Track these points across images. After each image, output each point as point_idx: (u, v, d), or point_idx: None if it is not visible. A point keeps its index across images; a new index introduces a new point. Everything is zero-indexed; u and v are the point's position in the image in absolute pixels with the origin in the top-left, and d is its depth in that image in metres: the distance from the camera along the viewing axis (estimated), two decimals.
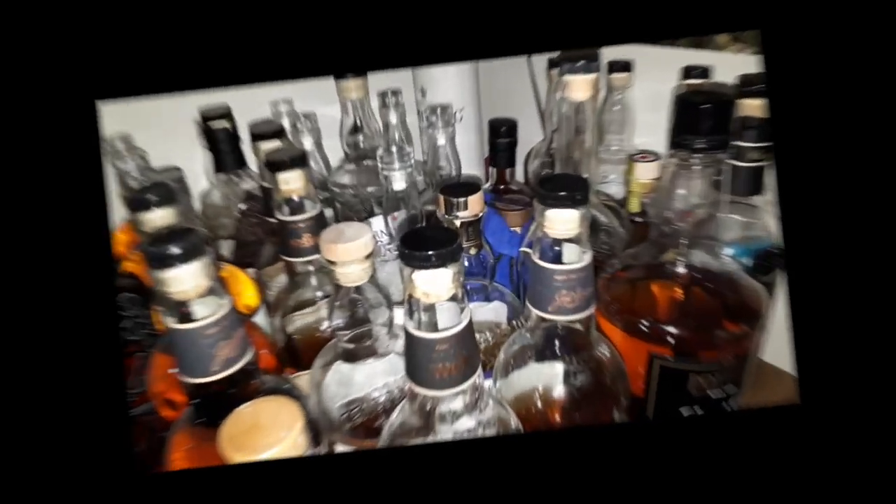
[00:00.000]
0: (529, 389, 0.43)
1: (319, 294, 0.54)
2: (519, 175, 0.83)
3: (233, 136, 0.65)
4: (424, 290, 0.30)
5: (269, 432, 0.26)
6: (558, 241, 0.37)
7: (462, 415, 0.35)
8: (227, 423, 0.27)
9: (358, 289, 0.42)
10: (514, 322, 0.52)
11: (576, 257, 0.37)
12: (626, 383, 0.43)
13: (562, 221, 0.35)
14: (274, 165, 0.47)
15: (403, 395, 0.43)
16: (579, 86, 0.49)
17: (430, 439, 0.36)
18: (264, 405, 0.28)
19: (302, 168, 0.48)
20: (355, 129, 0.67)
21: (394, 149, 0.55)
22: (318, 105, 0.82)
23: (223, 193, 0.69)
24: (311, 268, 0.52)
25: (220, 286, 0.35)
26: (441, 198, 0.47)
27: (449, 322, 0.32)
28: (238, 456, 0.25)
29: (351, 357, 0.44)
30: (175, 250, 0.32)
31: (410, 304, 0.31)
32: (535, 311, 0.39)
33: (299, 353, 0.55)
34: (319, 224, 0.50)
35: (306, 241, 0.49)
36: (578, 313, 0.38)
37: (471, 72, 0.90)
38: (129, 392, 0.48)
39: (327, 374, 0.44)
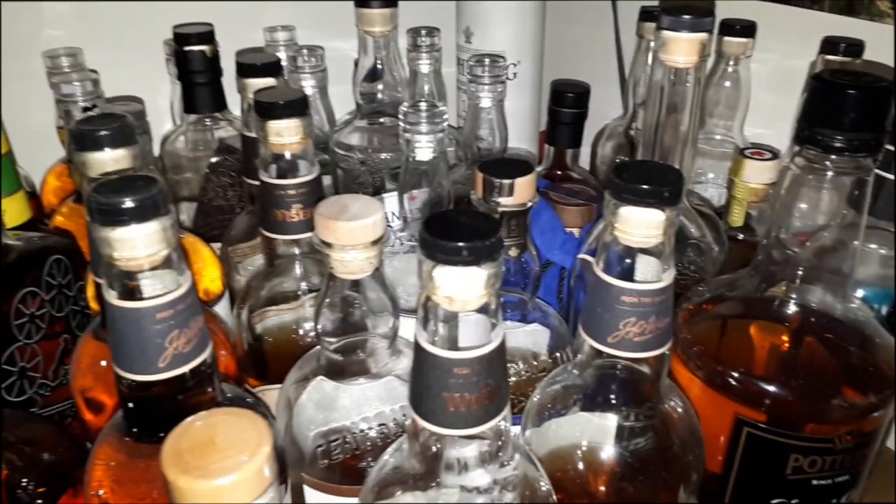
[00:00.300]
0: (569, 446, 0.43)
1: (304, 286, 0.55)
2: (584, 159, 0.83)
3: (212, 65, 0.67)
4: (448, 294, 0.30)
5: (227, 454, 0.27)
6: (632, 252, 0.37)
7: (476, 467, 0.36)
8: (174, 435, 0.28)
9: (357, 284, 0.42)
10: (556, 354, 0.53)
11: (653, 275, 0.37)
12: (702, 453, 0.43)
13: (641, 225, 0.35)
14: (264, 109, 0.48)
15: (401, 431, 0.44)
16: (682, 47, 0.49)
17: (430, 495, 0.36)
18: (223, 419, 0.28)
19: (301, 117, 0.49)
20: (374, 76, 0.68)
21: (422, 105, 0.56)
22: (329, 38, 0.84)
23: (191, 140, 0.71)
24: (296, 250, 0.53)
25: (180, 258, 0.36)
26: (479, 176, 0.47)
27: (474, 340, 0.32)
28: (183, 480, 0.26)
29: (337, 373, 0.44)
30: (129, 203, 0.33)
31: (426, 310, 0.32)
32: (590, 342, 0.39)
33: (268, 360, 0.57)
34: (315, 193, 0.51)
35: (296, 213, 0.50)
36: (648, 350, 0.38)
37: (535, 13, 0.90)
38: (44, 384, 0.49)
39: (304, 392, 0.45)
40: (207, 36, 0.66)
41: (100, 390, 0.48)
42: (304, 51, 0.73)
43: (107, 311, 0.35)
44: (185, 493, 0.26)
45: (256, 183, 0.62)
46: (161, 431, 0.38)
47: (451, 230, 0.30)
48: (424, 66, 0.80)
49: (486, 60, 0.68)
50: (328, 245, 0.41)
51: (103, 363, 0.48)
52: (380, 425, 0.44)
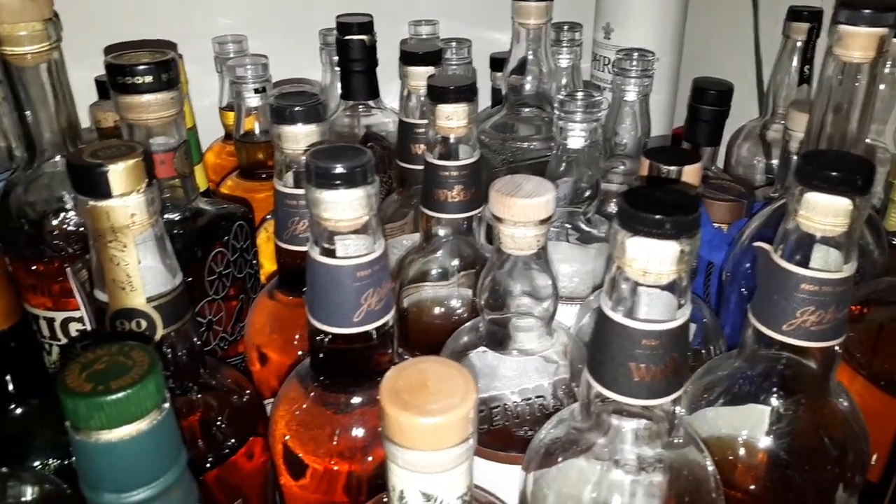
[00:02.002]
0: (726, 436, 0.44)
1: (455, 264, 0.57)
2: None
3: (370, 54, 0.71)
4: (642, 267, 0.32)
5: (439, 396, 0.29)
6: (812, 240, 0.37)
7: (646, 441, 0.37)
8: (390, 377, 0.30)
9: (523, 260, 0.44)
10: (709, 346, 0.53)
11: (834, 264, 0.37)
12: (867, 454, 0.42)
13: (829, 212, 0.35)
14: (437, 93, 0.51)
15: (559, 405, 0.45)
16: (860, 41, 0.48)
17: (601, 464, 0.37)
18: (432, 366, 0.31)
19: (469, 103, 0.51)
20: (523, 67, 0.70)
21: (579, 94, 0.57)
22: (469, 27, 0.87)
23: (345, 125, 0.75)
24: (452, 229, 0.56)
25: (378, 225, 0.39)
26: (646, 163, 0.48)
27: (658, 314, 0.33)
28: (403, 416, 0.28)
29: (497, 344, 0.46)
30: (341, 170, 0.36)
31: (617, 282, 0.33)
32: (763, 329, 0.39)
33: (410, 332, 0.59)
34: (475, 175, 0.53)
35: (457, 193, 0.53)
36: (825, 340, 0.38)
37: (677, 10, 0.89)
38: (224, 338, 0.54)
39: (464, 360, 0.47)
40: (367, 26, 0.69)
41: (270, 345, 0.52)
42: (454, 43, 0.76)
43: (309, 268, 0.39)
44: (404, 428, 0.28)
45: (408, 167, 0.65)
46: (347, 383, 0.41)
47: (650, 203, 0.31)
48: (564, 61, 0.82)
49: (635, 54, 0.69)
50: (500, 220, 0.43)
51: (276, 322, 0.52)
52: (538, 397, 0.45)
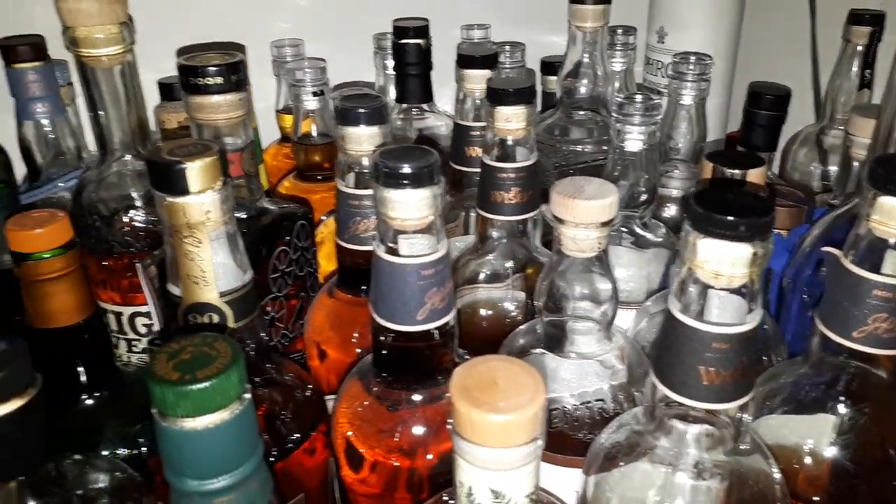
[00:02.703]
0: (788, 444, 0.43)
1: (509, 266, 0.58)
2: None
3: (425, 58, 0.71)
4: (714, 269, 0.31)
5: (508, 394, 0.29)
6: (885, 245, 0.36)
7: (712, 445, 0.37)
8: (460, 374, 0.30)
9: (584, 262, 0.44)
10: (765, 355, 0.52)
11: None
12: None
13: None
14: (496, 96, 0.51)
15: (619, 409, 0.45)
16: None
17: (664, 468, 0.37)
18: (500, 364, 0.31)
19: (528, 105, 0.52)
20: (577, 70, 0.70)
21: (638, 97, 0.57)
22: (520, 30, 0.87)
23: (398, 128, 0.76)
24: (507, 231, 0.56)
25: (441, 225, 0.39)
26: (708, 165, 0.47)
27: (728, 318, 0.33)
28: (475, 413, 0.28)
29: (556, 347, 0.46)
30: (408, 170, 0.37)
31: (687, 284, 0.33)
32: (831, 335, 0.39)
33: (462, 333, 0.59)
34: (532, 178, 0.53)
35: (514, 195, 0.53)
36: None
37: (733, 14, 0.88)
38: (285, 335, 0.55)
39: (524, 361, 0.47)
40: (423, 30, 0.70)
41: (329, 343, 0.53)
42: (507, 47, 0.76)
43: (375, 266, 0.39)
44: (475, 425, 0.28)
45: (463, 169, 0.66)
46: (408, 380, 0.42)
47: (723, 205, 0.31)
48: (618, 64, 0.81)
49: (692, 58, 0.68)
50: (561, 222, 0.43)
51: (335, 319, 0.52)
52: (598, 400, 0.45)
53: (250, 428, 0.28)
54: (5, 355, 0.32)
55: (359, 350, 0.51)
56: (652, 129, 0.58)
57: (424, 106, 0.75)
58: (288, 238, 0.53)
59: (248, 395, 0.27)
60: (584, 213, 0.42)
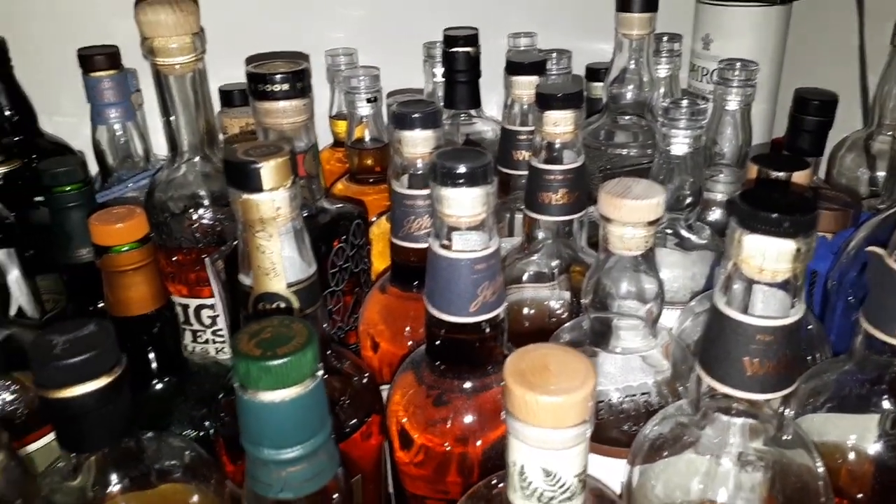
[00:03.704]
0: (830, 442, 0.43)
1: (555, 265, 0.59)
2: None
3: (474, 65, 0.73)
4: (758, 264, 0.33)
5: (560, 378, 0.31)
6: None
7: (755, 436, 0.38)
8: (513, 359, 0.32)
9: (630, 260, 0.45)
10: (810, 355, 0.52)
11: None
12: None
13: None
14: (545, 100, 0.53)
15: (663, 403, 0.46)
16: None
17: (707, 458, 0.38)
18: (552, 351, 0.33)
19: (576, 110, 0.53)
20: (622, 76, 0.71)
21: (684, 102, 0.58)
22: (565, 38, 0.89)
23: (446, 133, 0.78)
24: (554, 232, 0.58)
25: (493, 223, 0.41)
26: (753, 168, 0.48)
27: (772, 312, 0.34)
28: (529, 395, 0.30)
29: (602, 342, 0.48)
30: (464, 169, 0.39)
31: (732, 278, 0.34)
32: (876, 333, 0.39)
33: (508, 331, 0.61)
34: (579, 179, 0.55)
35: (562, 196, 0.54)
36: None
37: (780, 21, 0.88)
38: (340, 328, 0.58)
39: None
40: (473, 38, 0.72)
41: (382, 336, 0.55)
42: (554, 54, 0.78)
43: (431, 261, 0.41)
44: (530, 406, 0.30)
45: (509, 172, 0.68)
46: (460, 370, 0.44)
47: (768, 203, 0.32)
48: (663, 71, 0.82)
49: (737, 64, 0.69)
50: (609, 220, 0.44)
51: (388, 314, 0.55)
52: (643, 394, 0.46)
53: (321, 403, 0.30)
54: (95, 337, 0.35)
55: (410, 342, 0.54)
56: (697, 134, 0.59)
57: (472, 112, 0.77)
58: (345, 236, 0.56)
59: (320, 373, 0.30)
60: (631, 212, 0.43)
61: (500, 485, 0.36)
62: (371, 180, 0.75)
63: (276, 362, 0.28)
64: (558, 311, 0.59)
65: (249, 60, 0.73)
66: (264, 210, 0.38)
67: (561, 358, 0.32)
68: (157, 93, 0.55)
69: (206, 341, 0.60)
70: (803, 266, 0.33)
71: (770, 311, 0.34)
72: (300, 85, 0.49)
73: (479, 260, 0.40)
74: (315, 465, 0.31)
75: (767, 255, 0.32)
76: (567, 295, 0.60)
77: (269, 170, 0.38)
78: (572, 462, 0.31)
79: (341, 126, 0.83)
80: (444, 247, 0.41)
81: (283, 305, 0.41)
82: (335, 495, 0.32)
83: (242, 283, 0.42)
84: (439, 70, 0.85)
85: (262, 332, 0.29)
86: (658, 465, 0.41)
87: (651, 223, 0.44)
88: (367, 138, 0.75)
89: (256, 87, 0.48)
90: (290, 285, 0.41)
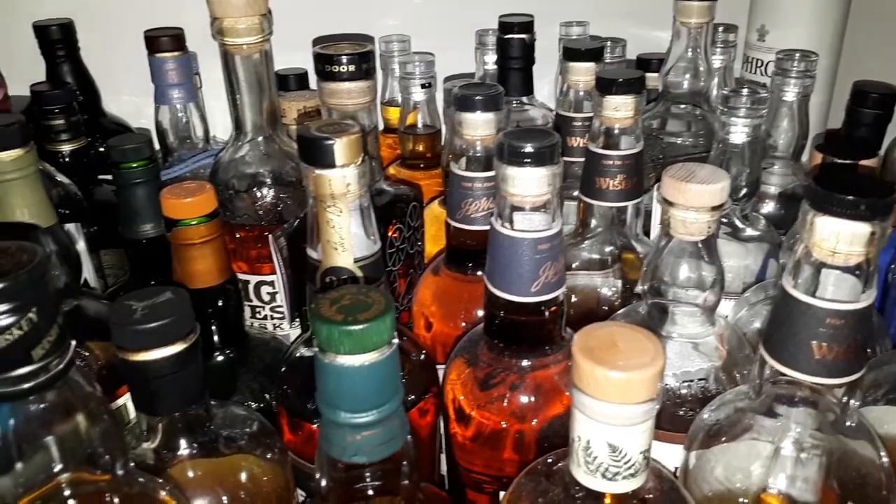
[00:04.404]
0: (893, 434, 0.43)
1: (609, 251, 0.59)
2: None
3: (528, 53, 0.73)
4: (831, 247, 0.33)
5: (630, 356, 0.31)
6: None
7: (818, 422, 0.37)
8: (582, 335, 0.33)
9: (692, 246, 0.45)
10: (870, 348, 0.52)
11: None
12: None
13: None
14: (606, 85, 0.53)
15: (720, 389, 0.46)
16: None
17: (766, 441, 0.38)
18: (620, 329, 0.33)
19: (636, 95, 0.53)
20: (679, 65, 0.71)
21: (744, 90, 0.58)
22: (617, 27, 0.88)
23: None
24: (607, 219, 0.58)
25: (558, 202, 0.41)
26: (818, 156, 0.48)
27: (841, 296, 0.34)
28: (597, 369, 0.30)
29: (659, 328, 0.48)
30: (530, 149, 0.39)
31: (802, 262, 0.34)
32: None
33: None
34: (638, 165, 0.55)
35: (619, 182, 0.55)
36: None
37: (838, 10, 0.87)
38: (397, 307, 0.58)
39: None
40: (528, 25, 0.73)
41: (435, 316, 0.56)
42: (608, 42, 0.78)
43: (493, 240, 0.42)
44: (599, 381, 0.31)
45: (564, 158, 0.68)
46: (519, 349, 0.44)
47: (842, 185, 0.32)
48: (717, 61, 0.81)
49: (796, 55, 0.68)
50: (672, 204, 0.44)
51: (442, 295, 0.56)
52: (700, 380, 0.47)
53: (396, 370, 0.31)
54: (172, 304, 0.36)
55: (463, 324, 0.54)
56: (757, 123, 0.58)
57: (524, 99, 0.77)
58: (403, 218, 0.57)
59: (396, 340, 0.30)
60: (696, 196, 0.43)
61: (560, 463, 0.37)
62: (422, 165, 0.75)
63: (357, 327, 0.29)
64: (612, 298, 0.60)
65: (316, 42, 0.74)
66: (336, 186, 0.39)
67: (629, 336, 0.33)
68: (224, 73, 0.57)
69: (265, 317, 0.62)
70: (877, 251, 0.33)
71: (840, 295, 0.34)
72: (365, 66, 0.49)
73: (543, 240, 0.40)
74: (388, 431, 0.31)
75: (841, 238, 0.32)
76: (619, 283, 0.60)
77: (341, 146, 0.38)
78: (638, 438, 0.32)
79: (393, 112, 0.84)
80: (506, 226, 0.41)
81: (348, 280, 0.42)
82: (404, 462, 0.33)
83: (310, 256, 0.43)
84: (490, 57, 0.85)
85: (342, 300, 0.30)
86: (717, 450, 0.41)
87: (715, 208, 0.44)
88: (420, 124, 0.75)
89: (324, 67, 0.49)
90: (356, 260, 0.42)
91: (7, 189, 0.48)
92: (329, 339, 0.29)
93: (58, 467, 0.28)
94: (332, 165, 0.39)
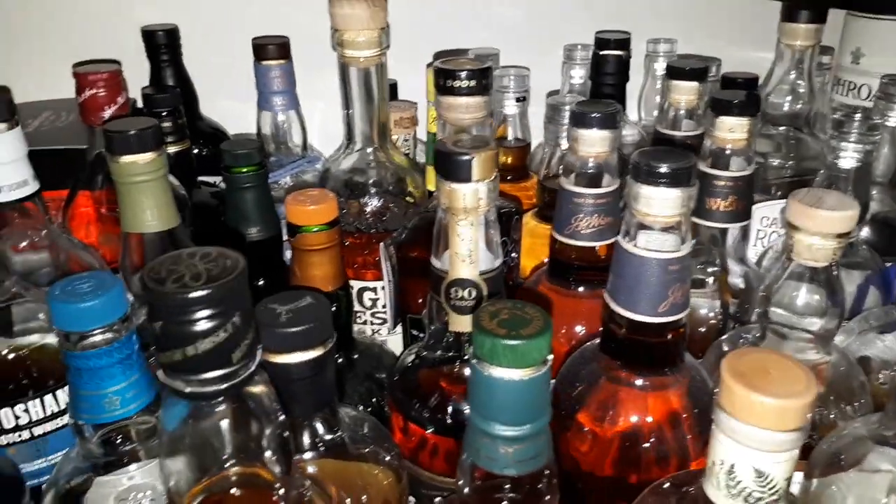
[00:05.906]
0: None
1: (711, 271, 0.59)
2: None
3: (624, 69, 0.73)
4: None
5: (782, 383, 0.31)
6: None
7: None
8: (732, 358, 0.32)
9: (815, 272, 0.45)
10: None
11: None
12: None
13: None
14: (720, 106, 0.53)
15: (836, 416, 0.46)
16: None
17: None
18: (771, 356, 0.33)
19: (753, 117, 0.53)
20: (781, 87, 0.70)
21: (857, 115, 0.57)
22: (705, 45, 0.87)
23: None
24: (713, 239, 0.57)
25: (688, 227, 0.41)
26: None
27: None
28: (753, 395, 0.30)
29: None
30: (665, 169, 0.39)
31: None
32: None
33: None
34: (749, 188, 0.54)
35: (731, 203, 0.54)
36: None
37: None
38: None
39: None
40: (624, 43, 0.72)
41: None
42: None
43: (621, 259, 0.42)
44: (754, 406, 0.30)
45: None
46: (637, 369, 0.44)
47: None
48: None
49: (887, 79, 0.67)
50: (797, 229, 0.44)
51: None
52: (818, 408, 0.46)
53: (548, 387, 0.31)
54: (314, 309, 0.37)
55: (564, 340, 0.54)
56: (869, 149, 0.57)
57: None
58: (507, 230, 0.57)
59: (550, 357, 0.31)
60: (825, 222, 0.43)
61: (690, 487, 0.36)
62: (509, 178, 0.76)
63: (520, 342, 0.29)
64: (711, 321, 0.59)
65: (437, 56, 0.75)
66: (468, 199, 0.40)
67: (780, 363, 0.32)
68: (340, 83, 0.58)
69: (365, 322, 0.63)
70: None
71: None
72: (484, 82, 0.50)
73: (675, 261, 0.40)
74: (538, 445, 0.32)
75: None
76: (718, 304, 0.60)
77: (478, 162, 0.39)
78: (785, 465, 0.31)
79: None
80: (637, 246, 0.41)
81: (474, 291, 0.42)
82: (546, 475, 0.33)
83: (434, 266, 0.43)
84: (577, 72, 0.85)
85: (501, 314, 0.31)
86: (846, 478, 0.40)
87: (841, 235, 0.44)
88: (511, 137, 0.76)
89: (445, 82, 0.50)
90: (482, 273, 0.42)
91: (139, 190, 0.49)
92: (492, 352, 0.29)
93: (229, 461, 0.29)
94: (467, 180, 0.39)
